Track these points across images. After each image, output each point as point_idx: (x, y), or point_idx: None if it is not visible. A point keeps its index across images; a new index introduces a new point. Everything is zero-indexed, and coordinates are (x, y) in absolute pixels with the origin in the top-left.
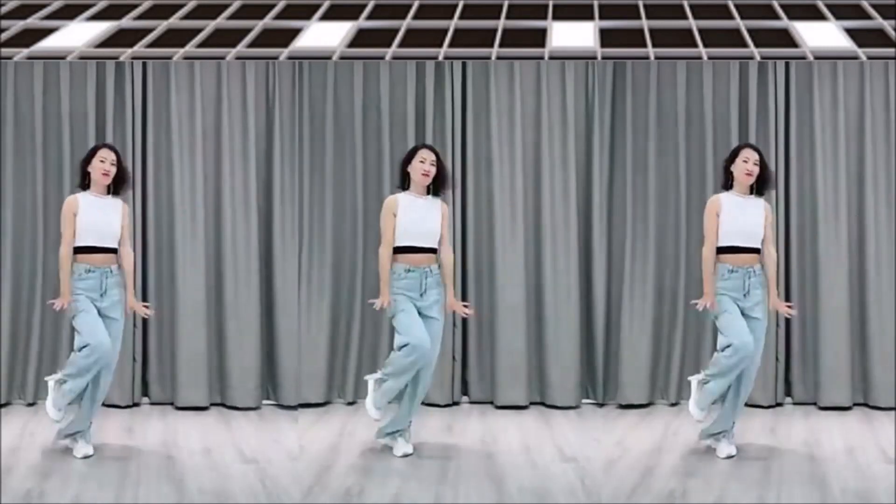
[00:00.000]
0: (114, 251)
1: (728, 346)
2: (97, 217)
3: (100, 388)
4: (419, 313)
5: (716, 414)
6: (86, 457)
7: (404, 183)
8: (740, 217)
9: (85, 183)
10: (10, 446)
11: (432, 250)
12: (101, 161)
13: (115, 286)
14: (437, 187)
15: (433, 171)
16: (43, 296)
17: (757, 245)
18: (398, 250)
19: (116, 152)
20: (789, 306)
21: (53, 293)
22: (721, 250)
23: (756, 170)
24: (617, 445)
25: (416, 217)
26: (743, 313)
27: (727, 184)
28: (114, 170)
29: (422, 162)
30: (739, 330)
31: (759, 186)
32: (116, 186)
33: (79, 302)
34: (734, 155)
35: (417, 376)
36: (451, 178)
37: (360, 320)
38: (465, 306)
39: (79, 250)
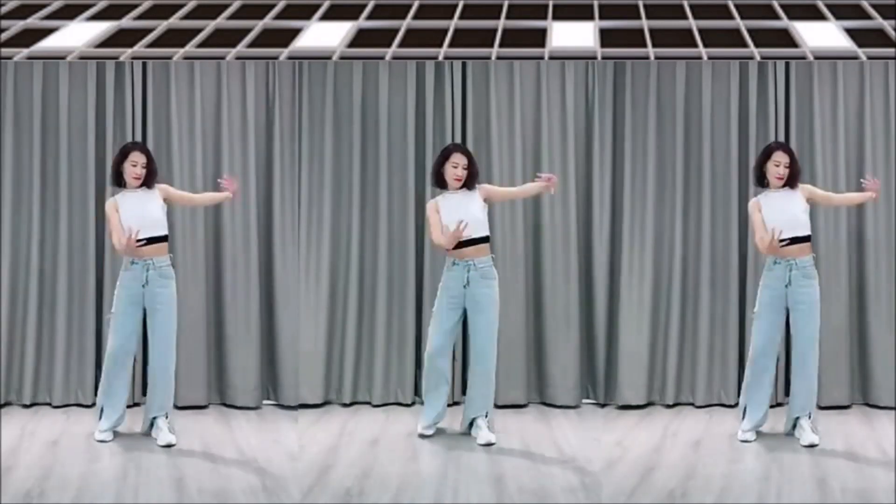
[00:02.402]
0: (161, 239)
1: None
2: (137, 210)
3: (157, 386)
4: (465, 311)
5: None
6: (168, 445)
7: (440, 184)
8: (780, 211)
9: (119, 181)
10: (10, 446)
11: (475, 241)
12: (133, 165)
13: (160, 277)
14: (467, 185)
15: (465, 174)
16: (39, 296)
17: (800, 234)
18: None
19: (146, 153)
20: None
21: (50, 294)
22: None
23: (786, 173)
24: (617, 445)
25: (455, 211)
26: (787, 308)
27: (762, 181)
28: (144, 172)
29: (454, 167)
30: (756, 337)
31: (789, 183)
32: (147, 183)
33: (115, 302)
34: (766, 156)
35: (475, 372)
36: (479, 174)
37: (357, 321)
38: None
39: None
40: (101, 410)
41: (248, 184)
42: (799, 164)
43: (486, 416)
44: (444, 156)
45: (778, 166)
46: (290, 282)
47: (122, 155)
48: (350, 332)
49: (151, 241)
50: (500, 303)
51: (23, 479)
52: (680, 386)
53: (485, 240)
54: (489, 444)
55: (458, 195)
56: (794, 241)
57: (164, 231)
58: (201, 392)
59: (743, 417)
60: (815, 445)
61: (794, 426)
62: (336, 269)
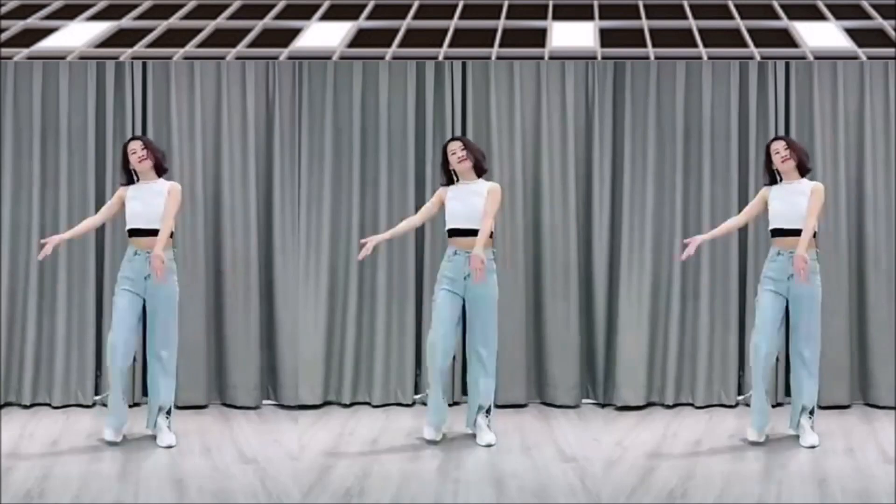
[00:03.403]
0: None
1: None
2: (143, 201)
3: (158, 376)
4: (464, 301)
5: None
6: (170, 446)
7: (451, 180)
8: (786, 202)
9: (133, 179)
10: (10, 447)
11: (475, 232)
12: (133, 153)
13: (164, 271)
14: (479, 168)
15: (466, 154)
16: (39, 297)
17: (802, 226)
18: (448, 233)
19: (142, 139)
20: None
21: (50, 294)
22: (771, 233)
23: (788, 153)
24: (617, 445)
25: (459, 200)
26: (789, 301)
27: (774, 178)
28: (146, 153)
29: (453, 154)
30: (757, 331)
31: (800, 168)
32: (159, 167)
33: (115, 295)
34: (767, 154)
35: (473, 372)
36: (482, 153)
37: (357, 321)
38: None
39: (129, 234)
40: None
41: (248, 184)
42: (801, 151)
43: (488, 415)
44: (443, 151)
45: (777, 153)
46: (290, 282)
47: (123, 152)
48: (350, 332)
49: (154, 233)
50: (500, 302)
51: (23, 479)
52: (680, 386)
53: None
54: (489, 445)
55: (467, 187)
56: (796, 233)
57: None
58: (201, 392)
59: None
60: (816, 447)
61: (798, 423)
62: (336, 269)
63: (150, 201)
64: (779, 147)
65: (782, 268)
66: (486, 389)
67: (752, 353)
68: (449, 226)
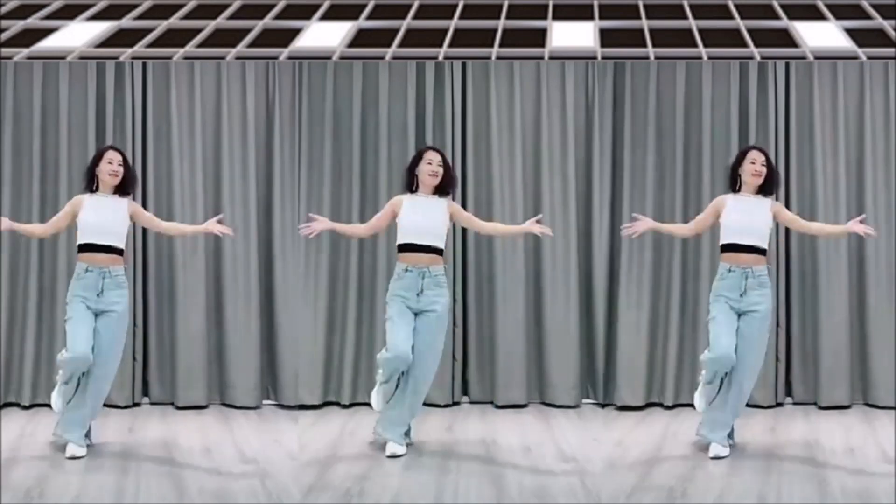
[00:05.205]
0: (117, 252)
1: (708, 356)
2: (101, 215)
3: (88, 392)
4: (415, 314)
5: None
6: (73, 457)
7: (412, 186)
8: (745, 216)
9: (93, 187)
10: (10, 447)
11: (434, 251)
12: (109, 163)
13: (116, 287)
14: (443, 188)
15: (441, 171)
16: (39, 297)
17: (759, 245)
18: (400, 248)
19: (123, 154)
20: (862, 222)
21: (50, 295)
22: (723, 248)
23: (764, 170)
24: (617, 445)
25: (420, 215)
26: (739, 315)
27: (736, 187)
28: (122, 170)
29: (429, 164)
30: (720, 340)
31: (765, 187)
32: (124, 187)
33: (70, 306)
34: (741, 157)
35: (407, 380)
36: (456, 179)
37: (357, 321)
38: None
39: (81, 249)
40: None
41: (248, 184)
42: (776, 172)
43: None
44: (418, 155)
45: (754, 163)
46: (290, 282)
47: (98, 156)
48: (350, 333)
49: (110, 249)
50: (500, 302)
51: (23, 479)
52: (679, 387)
53: (440, 251)
54: (394, 457)
55: (427, 200)
56: (752, 249)
57: (122, 244)
58: (201, 392)
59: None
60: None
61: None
62: (336, 269)
63: (109, 216)
64: (757, 157)
65: (734, 286)
66: (410, 410)
67: (714, 362)
68: (404, 240)
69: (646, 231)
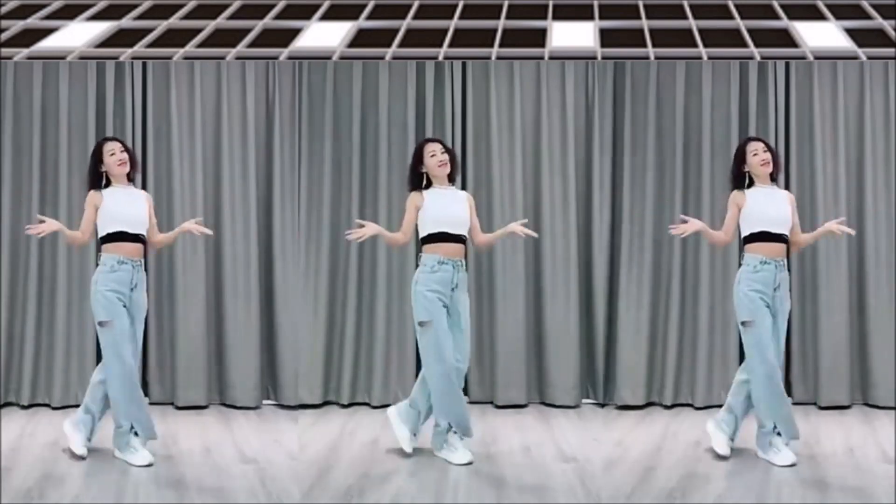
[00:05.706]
0: (143, 241)
1: (756, 373)
2: (125, 204)
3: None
4: (447, 312)
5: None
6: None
7: (421, 184)
8: (771, 206)
9: (101, 184)
10: (10, 446)
11: (463, 241)
12: (112, 154)
13: (142, 282)
14: (453, 174)
15: (447, 158)
16: (38, 297)
17: (786, 233)
18: (430, 239)
19: (120, 140)
20: (840, 223)
21: (50, 294)
22: (752, 238)
23: (769, 156)
24: (617, 445)
25: (445, 203)
26: (772, 313)
27: (743, 184)
28: (126, 156)
29: (433, 156)
30: (765, 353)
31: (775, 172)
32: (132, 172)
33: (108, 307)
34: (742, 153)
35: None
36: (458, 159)
37: (357, 321)
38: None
39: (109, 238)
40: (129, 427)
41: (247, 184)
42: (777, 154)
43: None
44: (419, 152)
45: (757, 154)
46: (290, 282)
47: (98, 152)
48: (349, 333)
49: (138, 239)
50: (500, 302)
51: (23, 479)
52: (679, 386)
53: (465, 240)
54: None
55: (448, 191)
56: (781, 239)
57: (145, 233)
58: (201, 392)
59: (777, 432)
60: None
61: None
62: (336, 269)
63: (134, 206)
64: (758, 148)
65: (769, 279)
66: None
67: (769, 378)
68: (434, 229)
69: (694, 232)
